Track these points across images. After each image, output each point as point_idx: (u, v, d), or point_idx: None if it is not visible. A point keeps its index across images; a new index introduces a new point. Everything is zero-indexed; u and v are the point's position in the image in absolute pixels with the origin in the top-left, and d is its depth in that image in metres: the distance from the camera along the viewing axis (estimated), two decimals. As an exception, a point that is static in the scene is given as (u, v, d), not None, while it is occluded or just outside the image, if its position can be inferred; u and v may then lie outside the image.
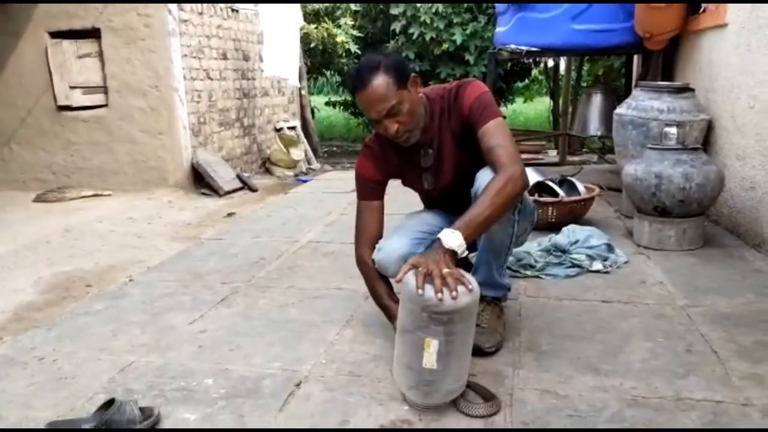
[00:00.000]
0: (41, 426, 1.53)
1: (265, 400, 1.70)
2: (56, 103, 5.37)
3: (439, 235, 1.59)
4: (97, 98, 5.37)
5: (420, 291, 1.47)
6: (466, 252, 1.60)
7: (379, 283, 1.93)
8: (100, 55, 5.28)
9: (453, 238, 1.56)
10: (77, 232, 4.00)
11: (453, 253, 1.56)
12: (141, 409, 1.59)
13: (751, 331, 2.01)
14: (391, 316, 1.85)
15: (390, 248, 1.89)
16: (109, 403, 1.58)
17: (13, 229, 4.10)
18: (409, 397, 1.62)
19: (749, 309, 2.20)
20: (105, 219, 4.36)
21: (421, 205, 2.20)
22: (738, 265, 2.68)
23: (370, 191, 1.98)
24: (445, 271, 1.50)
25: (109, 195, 5.22)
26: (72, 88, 5.35)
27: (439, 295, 1.46)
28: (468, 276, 1.56)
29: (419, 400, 1.59)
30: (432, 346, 1.50)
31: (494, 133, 1.73)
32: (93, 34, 5.24)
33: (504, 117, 1.79)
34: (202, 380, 1.82)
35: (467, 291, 1.50)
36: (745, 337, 1.97)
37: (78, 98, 5.37)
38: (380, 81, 1.70)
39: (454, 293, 1.47)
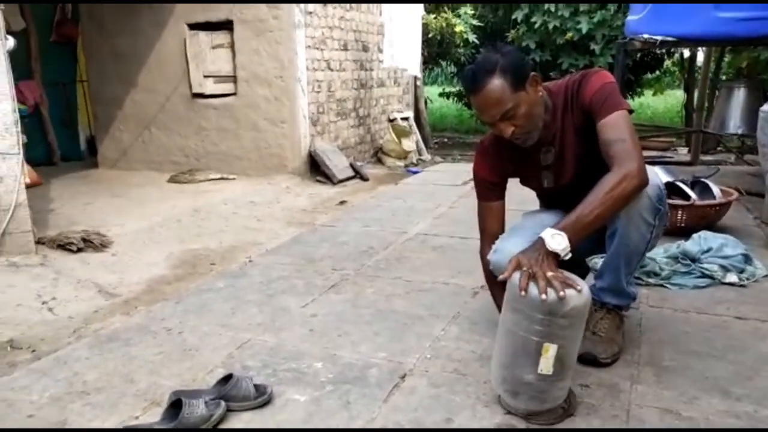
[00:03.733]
0: (167, 393, 1.65)
1: (371, 389, 1.73)
2: (191, 90, 5.77)
3: (542, 234, 1.50)
4: (227, 87, 5.71)
5: (523, 293, 1.42)
6: (570, 255, 1.50)
7: (494, 283, 1.87)
8: (232, 46, 5.60)
9: (557, 241, 1.48)
10: (204, 212, 4.29)
11: (555, 255, 1.48)
12: (255, 386, 1.68)
13: None
14: None
15: (505, 251, 1.80)
16: (228, 377, 1.68)
17: (149, 207, 4.48)
18: (506, 400, 1.57)
19: None
20: (229, 201, 4.63)
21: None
22: None
23: (487, 191, 1.92)
24: (549, 274, 1.44)
25: (234, 179, 5.54)
26: (206, 77, 5.72)
27: (543, 296, 1.40)
28: (574, 278, 1.48)
29: (523, 405, 1.53)
30: (551, 350, 1.44)
31: (614, 126, 1.61)
32: (226, 25, 5.57)
33: (631, 111, 1.67)
34: (311, 363, 1.89)
35: (576, 293, 1.42)
36: None
37: (210, 86, 5.73)
38: (496, 84, 1.60)
39: (561, 293, 1.40)
